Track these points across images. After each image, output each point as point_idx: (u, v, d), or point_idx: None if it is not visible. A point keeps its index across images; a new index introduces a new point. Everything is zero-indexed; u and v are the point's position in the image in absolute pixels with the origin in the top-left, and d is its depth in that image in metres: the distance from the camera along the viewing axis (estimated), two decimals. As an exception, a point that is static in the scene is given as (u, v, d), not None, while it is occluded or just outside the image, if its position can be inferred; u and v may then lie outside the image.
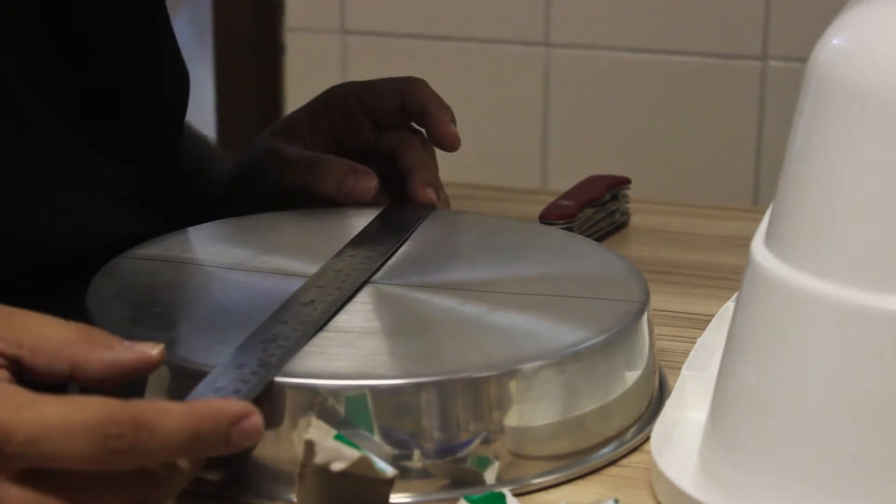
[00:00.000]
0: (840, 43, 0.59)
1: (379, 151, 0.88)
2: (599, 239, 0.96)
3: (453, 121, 0.86)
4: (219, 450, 0.57)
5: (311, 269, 0.73)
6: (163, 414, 0.55)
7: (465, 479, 0.63)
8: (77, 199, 0.77)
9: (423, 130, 0.87)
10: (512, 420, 0.64)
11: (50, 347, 0.58)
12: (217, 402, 0.57)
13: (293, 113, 0.91)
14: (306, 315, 0.67)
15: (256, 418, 0.57)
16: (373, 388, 0.62)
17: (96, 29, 0.78)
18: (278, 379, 0.61)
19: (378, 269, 0.74)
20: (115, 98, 0.80)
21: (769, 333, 0.60)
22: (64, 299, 0.73)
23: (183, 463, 0.57)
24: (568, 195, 0.97)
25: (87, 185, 0.78)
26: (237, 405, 0.57)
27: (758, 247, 0.62)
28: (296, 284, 0.70)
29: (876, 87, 0.57)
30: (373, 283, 0.72)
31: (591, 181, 1.00)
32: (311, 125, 0.89)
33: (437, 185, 0.85)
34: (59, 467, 0.54)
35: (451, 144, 0.86)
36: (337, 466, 0.56)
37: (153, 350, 0.59)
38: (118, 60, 0.80)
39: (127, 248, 0.76)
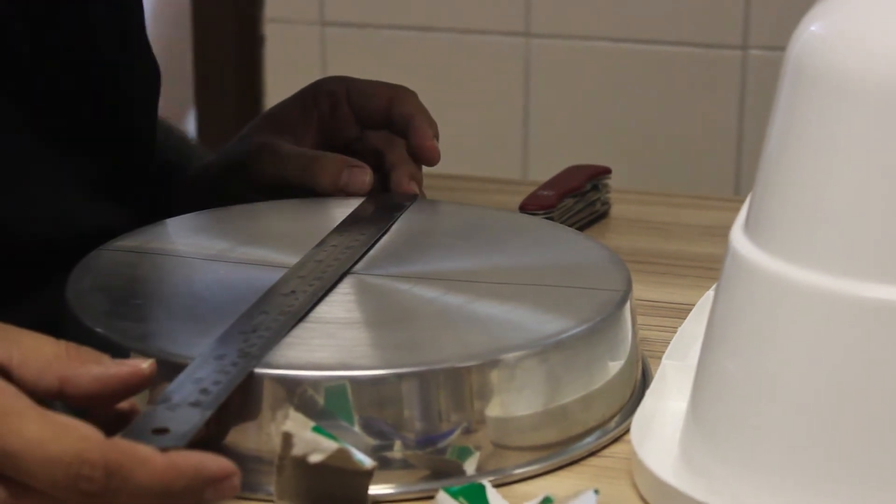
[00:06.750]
0: (817, 30, 0.59)
1: (363, 147, 0.88)
2: (580, 229, 0.96)
3: (436, 136, 0.86)
4: (188, 503, 0.55)
5: (292, 259, 0.72)
6: (140, 463, 0.53)
7: (445, 470, 0.63)
8: (50, 193, 0.77)
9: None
10: (493, 410, 0.63)
11: (39, 362, 0.57)
12: (197, 458, 0.54)
13: (282, 104, 0.91)
14: (287, 305, 0.66)
15: (235, 481, 0.54)
16: (353, 379, 0.62)
17: (65, 22, 0.78)
18: (258, 370, 0.61)
19: (359, 260, 0.73)
20: (84, 91, 0.79)
21: (748, 322, 0.60)
22: (42, 292, 0.73)
23: None
24: (548, 185, 0.97)
25: (60, 179, 0.78)
26: (218, 464, 0.54)
27: (737, 235, 0.62)
28: (276, 275, 0.70)
29: (853, 75, 0.57)
30: (354, 273, 0.72)
31: (572, 171, 1.00)
32: (301, 117, 0.89)
33: (420, 181, 0.86)
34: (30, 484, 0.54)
35: (431, 158, 0.86)
36: (315, 458, 0.56)
37: (143, 364, 0.58)
38: (86, 54, 0.79)
39: (103, 240, 0.75)
